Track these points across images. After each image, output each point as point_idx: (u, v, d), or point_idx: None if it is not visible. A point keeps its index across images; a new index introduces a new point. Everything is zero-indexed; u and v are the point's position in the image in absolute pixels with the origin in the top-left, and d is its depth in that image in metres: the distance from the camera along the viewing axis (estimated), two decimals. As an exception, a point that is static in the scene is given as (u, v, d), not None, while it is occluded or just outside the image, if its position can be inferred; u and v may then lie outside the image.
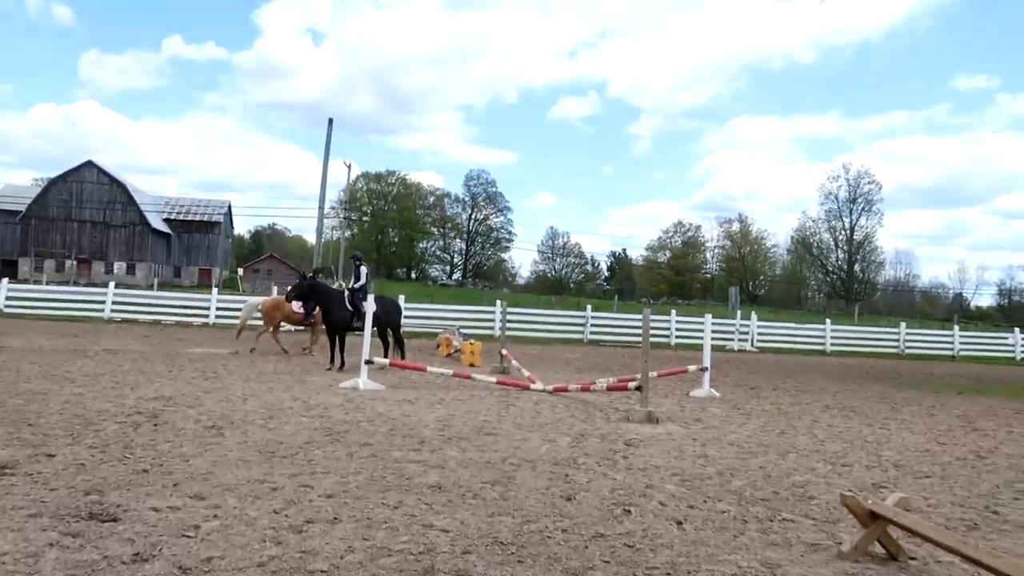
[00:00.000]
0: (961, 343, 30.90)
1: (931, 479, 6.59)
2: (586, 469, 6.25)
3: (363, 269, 14.13)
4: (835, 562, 4.16)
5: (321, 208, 37.88)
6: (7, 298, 24.37)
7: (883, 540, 4.27)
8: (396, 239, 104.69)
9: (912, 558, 4.30)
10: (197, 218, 78.88)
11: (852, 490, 5.38)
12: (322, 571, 3.65)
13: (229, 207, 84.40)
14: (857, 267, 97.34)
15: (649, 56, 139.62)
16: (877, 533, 4.24)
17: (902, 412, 11.32)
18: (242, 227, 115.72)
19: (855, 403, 12.19)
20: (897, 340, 30.19)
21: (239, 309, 26.06)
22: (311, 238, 73.88)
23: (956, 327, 32.95)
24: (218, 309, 25.22)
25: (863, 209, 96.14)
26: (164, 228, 75.48)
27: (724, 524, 4.84)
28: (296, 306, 16.52)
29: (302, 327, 18.18)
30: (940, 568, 4.19)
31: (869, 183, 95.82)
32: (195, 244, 78.41)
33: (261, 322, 17.51)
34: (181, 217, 78.22)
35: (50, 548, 3.78)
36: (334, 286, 14.98)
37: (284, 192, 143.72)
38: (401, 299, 22.64)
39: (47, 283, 45.70)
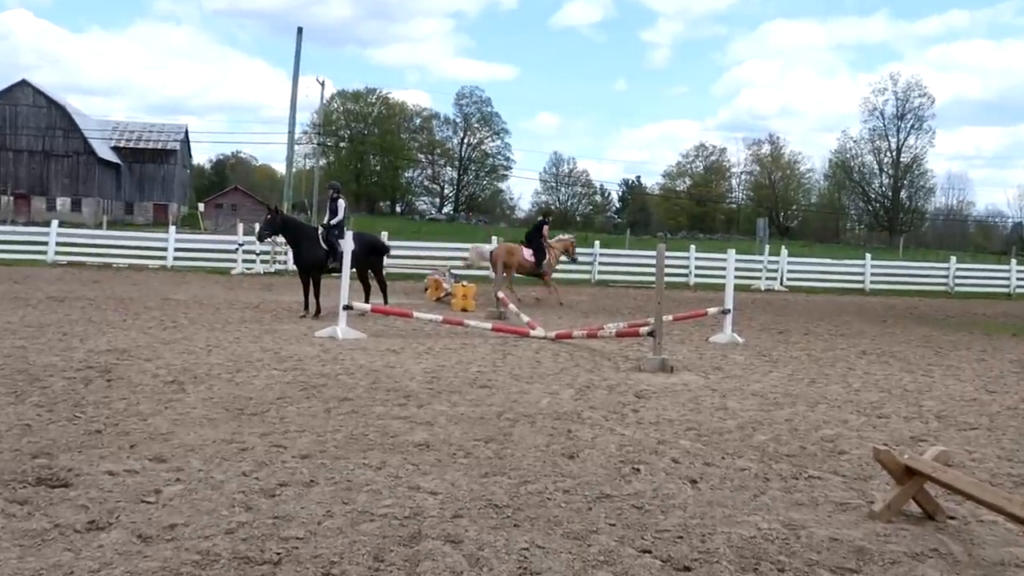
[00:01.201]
0: (1019, 279, 30.96)
1: (977, 431, 6.70)
2: (591, 424, 6.35)
3: (340, 202, 14.08)
4: (866, 523, 4.26)
5: (291, 132, 37.58)
6: (-64, 240, 24.33)
7: (919, 498, 4.36)
8: (378, 167, 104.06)
9: (951, 517, 4.40)
10: (150, 146, 78.14)
11: (887, 444, 5.49)
12: (297, 538, 3.74)
13: (186, 133, 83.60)
14: (903, 194, 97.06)
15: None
16: (913, 491, 4.33)
17: (948, 357, 11.44)
18: (202, 155, 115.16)
19: (896, 348, 12.31)
20: (946, 276, 30.28)
21: (200, 250, 26.17)
22: (280, 167, 73.30)
23: (1013, 261, 32.94)
24: (177, 250, 25.21)
25: (912, 127, 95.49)
26: (112, 157, 74.85)
27: (744, 482, 4.94)
28: (527, 254, 17.00)
29: (535, 276, 18.02)
30: (982, 528, 4.29)
31: (920, 96, 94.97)
32: (148, 176, 77.83)
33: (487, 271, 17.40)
34: (131, 145, 77.46)
35: (-5, 516, 3.86)
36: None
37: (249, 115, 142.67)
38: (384, 236, 22.64)
39: (-19, 222, 45.55)
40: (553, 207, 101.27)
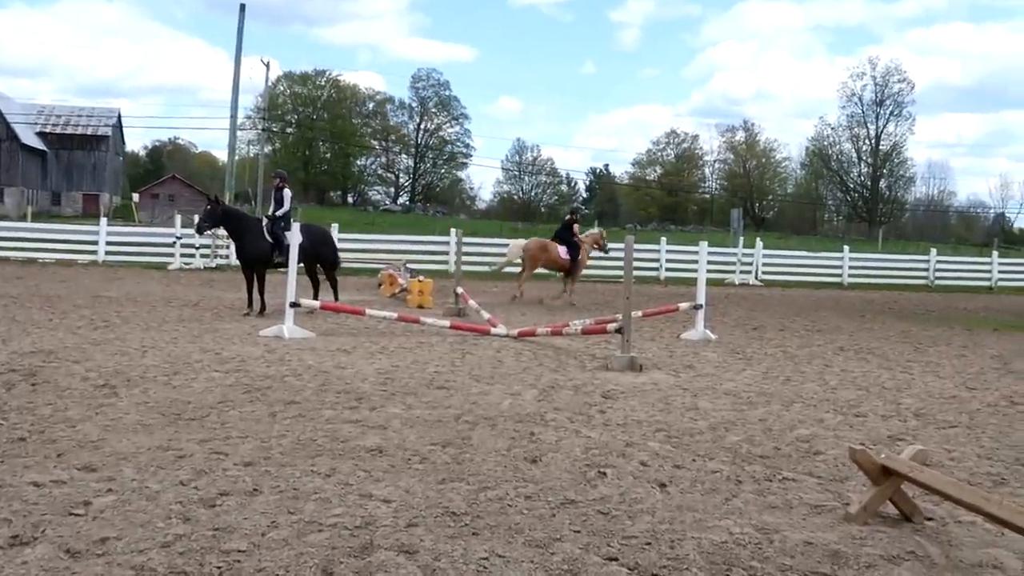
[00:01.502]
0: (1000, 272, 31.74)
1: (956, 429, 6.86)
2: (555, 426, 6.39)
3: (287, 192, 13.99)
4: (841, 525, 4.34)
5: (234, 117, 37.17)
6: None
7: (896, 499, 4.45)
8: (327, 155, 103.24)
9: (929, 519, 4.49)
10: (79, 131, 76.76)
11: (864, 443, 5.59)
12: (239, 551, 3.71)
13: (119, 117, 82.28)
14: (883, 183, 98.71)
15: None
16: (890, 491, 4.42)
17: (927, 353, 11.69)
18: (136, 142, 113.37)
19: (874, 344, 12.55)
20: (926, 269, 30.93)
21: (135, 244, 25.83)
22: (222, 155, 72.62)
23: (995, 253, 33.79)
24: (109, 244, 24.89)
25: (892, 113, 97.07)
26: (38, 144, 73.44)
27: (715, 485, 5.01)
28: (562, 251, 17.82)
29: (566, 272, 18.69)
30: (960, 529, 4.40)
31: (900, 81, 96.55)
32: (77, 163, 76.46)
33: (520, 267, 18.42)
34: (59, 130, 76.05)
35: (-93, 533, 3.79)
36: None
37: (187, 98, 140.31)
38: (334, 228, 22.54)
39: None
40: (516, 197, 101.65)
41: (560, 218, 24.67)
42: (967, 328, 15.83)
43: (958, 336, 14.24)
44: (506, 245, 28.35)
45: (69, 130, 76.58)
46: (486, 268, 20.76)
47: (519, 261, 18.55)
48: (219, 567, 3.54)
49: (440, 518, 4.24)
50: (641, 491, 4.83)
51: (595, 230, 19.66)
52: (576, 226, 18.38)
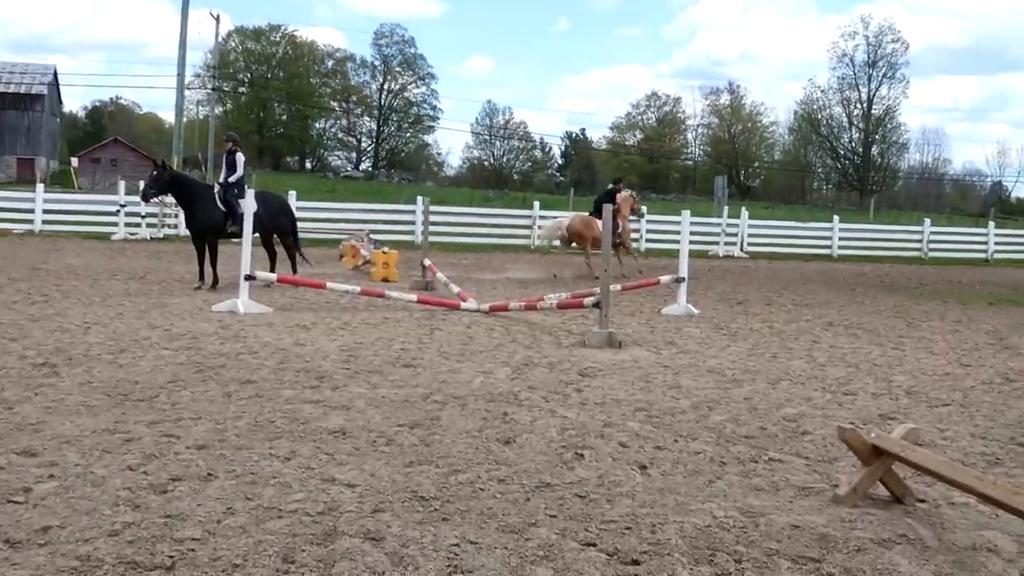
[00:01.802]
0: (997, 243, 32.19)
1: (949, 407, 6.97)
2: (530, 406, 6.42)
3: (239, 156, 13.85)
4: (829, 508, 4.41)
5: (181, 76, 36.68)
6: None
7: (887, 480, 4.53)
8: (284, 117, 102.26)
9: (921, 500, 4.57)
10: (11, 90, 75.42)
11: (853, 422, 5.67)
12: (193, 539, 3.71)
13: (55, 74, 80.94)
14: (875, 150, 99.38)
15: None
16: (880, 472, 4.49)
17: (920, 328, 11.86)
18: (74, 102, 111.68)
19: (865, 319, 12.70)
20: (920, 241, 31.26)
21: (75, 212, 25.52)
22: (169, 116, 71.75)
23: (991, 223, 34.25)
24: (46, 212, 24.58)
25: (885, 75, 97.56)
26: (-34, 104, 72.17)
27: (698, 467, 5.07)
28: (600, 224, 17.63)
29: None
30: (953, 511, 4.48)
31: (893, 41, 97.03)
32: (9, 125, 75.15)
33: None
34: (-11, 89, 74.76)
35: None
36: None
37: (130, 55, 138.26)
38: (292, 196, 22.37)
39: None
40: (487, 163, 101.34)
41: (537, 186, 25.02)
42: (961, 302, 16.05)
43: (952, 311, 14.44)
44: (477, 215, 28.54)
45: (0, 89, 75.26)
46: (537, 244, 21.48)
47: (558, 239, 18.98)
48: (171, 556, 3.53)
49: (408, 503, 4.26)
50: (620, 473, 4.87)
51: (624, 192, 19.70)
52: (619, 196, 18.58)
